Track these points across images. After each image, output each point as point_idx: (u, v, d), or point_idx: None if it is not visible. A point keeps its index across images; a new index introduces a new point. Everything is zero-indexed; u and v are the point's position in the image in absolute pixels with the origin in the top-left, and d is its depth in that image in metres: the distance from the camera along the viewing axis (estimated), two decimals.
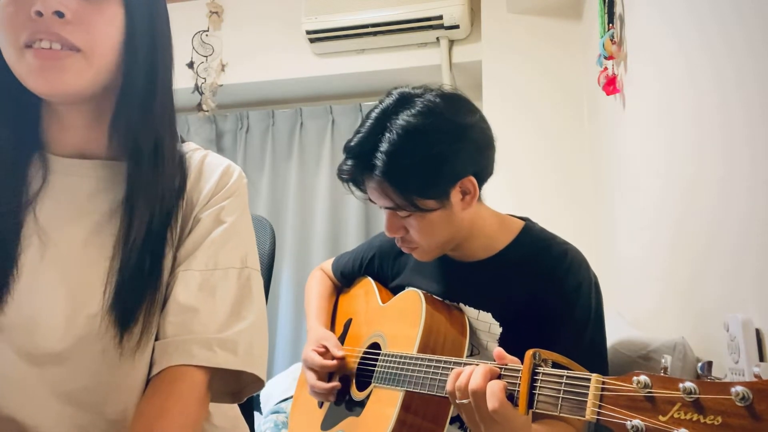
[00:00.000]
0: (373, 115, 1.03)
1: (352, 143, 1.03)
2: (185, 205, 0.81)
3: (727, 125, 0.89)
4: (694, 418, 0.56)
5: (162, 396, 0.71)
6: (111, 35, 0.73)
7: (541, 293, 1.00)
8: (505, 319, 1.04)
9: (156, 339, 0.76)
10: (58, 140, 0.79)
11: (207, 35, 2.78)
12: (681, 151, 1.11)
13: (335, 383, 1.17)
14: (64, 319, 0.72)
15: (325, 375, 1.19)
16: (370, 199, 1.06)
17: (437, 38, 2.53)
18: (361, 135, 1.03)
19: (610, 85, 1.59)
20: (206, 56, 2.77)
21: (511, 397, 0.75)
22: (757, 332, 0.76)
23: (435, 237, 1.04)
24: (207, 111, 2.77)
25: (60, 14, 0.69)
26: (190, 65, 2.74)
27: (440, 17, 2.43)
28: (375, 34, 2.54)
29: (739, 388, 0.53)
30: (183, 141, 0.87)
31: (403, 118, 0.98)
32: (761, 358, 0.76)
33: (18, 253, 0.73)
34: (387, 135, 0.98)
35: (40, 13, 0.68)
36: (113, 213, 0.77)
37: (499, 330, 1.04)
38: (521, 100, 2.32)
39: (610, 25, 1.57)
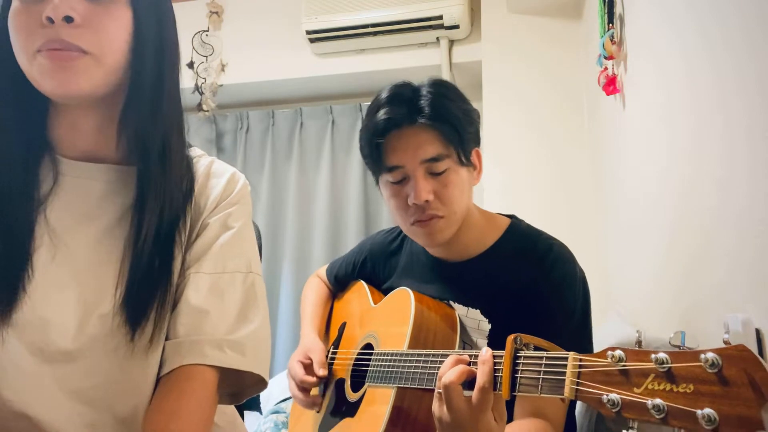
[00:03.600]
0: (388, 87, 1.07)
1: (386, 96, 1.06)
2: (193, 210, 0.83)
3: (726, 125, 0.89)
4: (667, 388, 0.56)
5: (177, 394, 0.73)
6: (119, 36, 0.74)
7: (528, 287, 1.02)
8: (494, 315, 1.05)
9: (166, 339, 0.77)
10: (68, 143, 0.80)
11: (207, 35, 2.78)
12: (681, 150, 1.11)
13: (314, 396, 1.18)
14: (76, 318, 0.74)
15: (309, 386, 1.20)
16: (390, 168, 1.04)
17: (437, 38, 2.53)
18: (392, 90, 1.06)
19: (610, 85, 1.59)
20: (206, 56, 2.77)
21: (494, 382, 0.75)
22: (757, 332, 0.76)
23: (461, 202, 1.05)
24: (207, 111, 2.77)
25: (69, 19, 0.70)
26: (190, 65, 2.74)
27: (440, 17, 2.43)
28: (375, 34, 2.54)
29: (709, 355, 0.54)
30: (190, 146, 0.89)
31: (427, 83, 1.06)
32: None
33: (31, 252, 0.74)
34: (423, 89, 1.05)
35: (50, 20, 0.69)
36: (123, 216, 0.79)
37: (488, 326, 1.05)
38: (521, 100, 2.32)
39: (610, 25, 1.57)
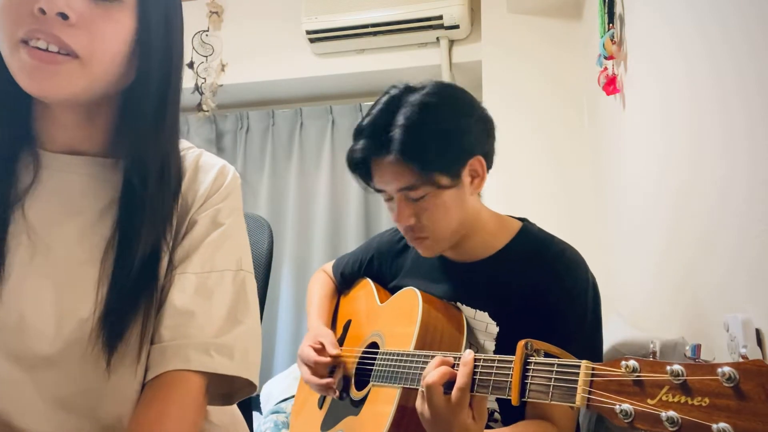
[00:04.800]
0: (382, 100, 1.05)
1: (365, 123, 1.05)
2: (180, 207, 0.79)
3: (726, 125, 0.89)
4: (682, 401, 0.56)
5: (160, 401, 0.70)
6: (115, 45, 0.69)
7: (538, 291, 1.01)
8: (502, 318, 1.04)
9: (151, 342, 0.74)
10: (49, 136, 0.76)
11: (207, 35, 2.78)
12: (681, 150, 1.11)
13: (329, 379, 1.16)
14: (53, 321, 0.70)
15: (323, 370, 1.19)
16: (376, 189, 1.07)
17: (437, 38, 2.53)
18: (373, 115, 1.05)
19: (610, 85, 1.59)
20: (206, 56, 2.77)
21: (503, 387, 0.77)
22: (757, 332, 0.76)
23: (447, 221, 1.04)
24: (207, 111, 2.77)
25: (64, 16, 0.65)
26: (190, 65, 2.74)
27: (440, 17, 2.43)
28: (375, 34, 2.54)
29: (726, 369, 0.53)
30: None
31: (415, 97, 1.02)
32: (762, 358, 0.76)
33: (5, 253, 0.70)
34: (402, 110, 1.01)
35: (43, 11, 0.65)
36: (105, 212, 0.76)
37: (496, 329, 1.04)
38: (521, 100, 2.32)
39: (610, 25, 1.57)
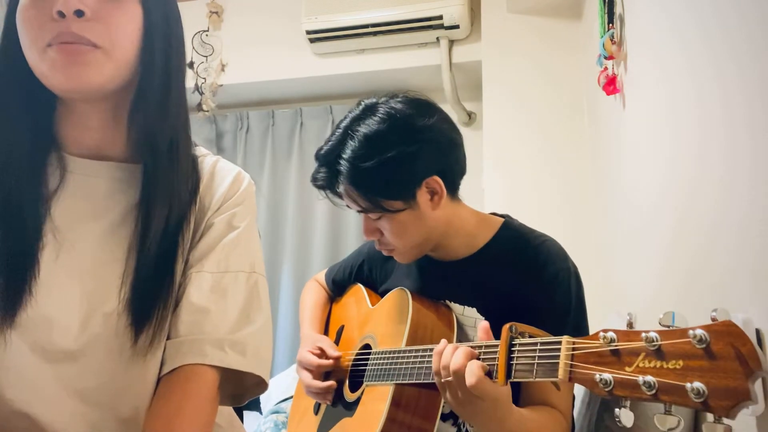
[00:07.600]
0: (342, 124, 1.09)
1: (321, 152, 1.09)
2: (197, 209, 0.83)
3: (727, 124, 0.89)
4: (658, 365, 0.58)
5: (178, 394, 0.73)
6: (130, 32, 0.74)
7: (521, 285, 1.03)
8: (490, 313, 1.06)
9: (167, 338, 0.77)
10: (75, 140, 0.79)
11: (207, 35, 2.78)
12: (681, 150, 1.11)
13: (330, 382, 1.18)
14: (79, 317, 0.74)
15: (321, 375, 1.21)
16: (347, 205, 1.10)
17: (437, 38, 2.53)
18: (329, 144, 1.08)
19: (610, 85, 1.59)
20: (206, 56, 2.77)
21: (490, 372, 0.78)
22: (757, 332, 0.75)
23: (408, 237, 1.07)
24: (207, 111, 2.77)
25: (80, 13, 0.70)
26: (190, 65, 2.74)
27: (440, 17, 2.43)
28: (375, 34, 2.54)
29: (698, 331, 0.55)
30: (195, 145, 0.89)
31: (364, 125, 1.05)
32: None
33: (37, 252, 0.74)
34: (350, 142, 1.04)
35: (61, 14, 0.69)
36: (127, 215, 0.79)
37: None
38: (521, 100, 2.32)
39: (610, 25, 1.57)
